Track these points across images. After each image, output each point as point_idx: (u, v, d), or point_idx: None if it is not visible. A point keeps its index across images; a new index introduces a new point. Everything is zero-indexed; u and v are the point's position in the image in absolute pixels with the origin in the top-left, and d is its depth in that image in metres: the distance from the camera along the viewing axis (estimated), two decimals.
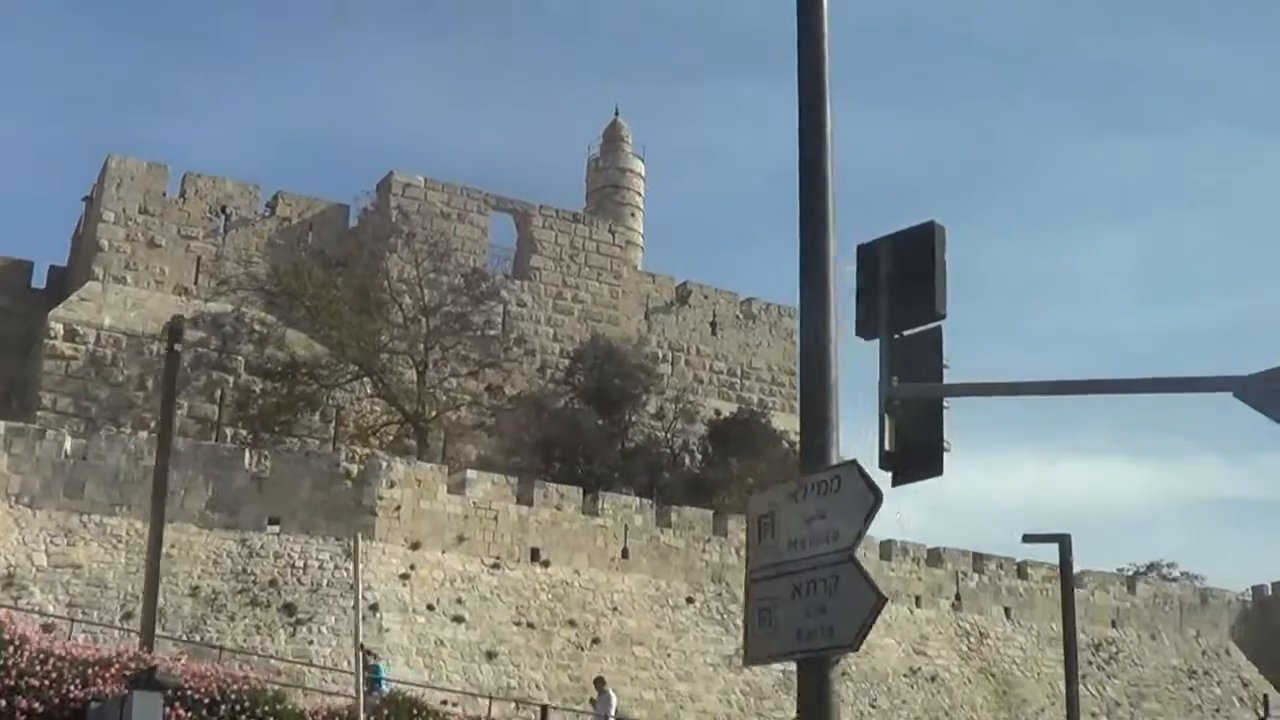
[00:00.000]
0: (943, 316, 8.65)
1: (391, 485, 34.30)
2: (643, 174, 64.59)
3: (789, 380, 55.36)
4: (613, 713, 28.26)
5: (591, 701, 30.24)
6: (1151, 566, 78.52)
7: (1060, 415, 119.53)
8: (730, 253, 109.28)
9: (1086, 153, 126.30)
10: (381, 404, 43.21)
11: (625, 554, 37.36)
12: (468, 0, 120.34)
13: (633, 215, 63.58)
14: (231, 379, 44.05)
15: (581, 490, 37.71)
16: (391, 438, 42.31)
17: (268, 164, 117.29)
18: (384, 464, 34.84)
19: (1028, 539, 28.98)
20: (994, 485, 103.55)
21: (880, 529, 46.51)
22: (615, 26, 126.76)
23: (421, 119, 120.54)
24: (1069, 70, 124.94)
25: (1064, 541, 27.95)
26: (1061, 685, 42.89)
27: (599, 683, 29.72)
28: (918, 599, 42.04)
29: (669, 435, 48.57)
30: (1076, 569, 46.73)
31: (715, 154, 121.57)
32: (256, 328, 44.53)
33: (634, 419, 48.49)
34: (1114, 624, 46.13)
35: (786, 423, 54.73)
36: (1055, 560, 46.05)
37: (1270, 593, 71.49)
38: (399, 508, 34.31)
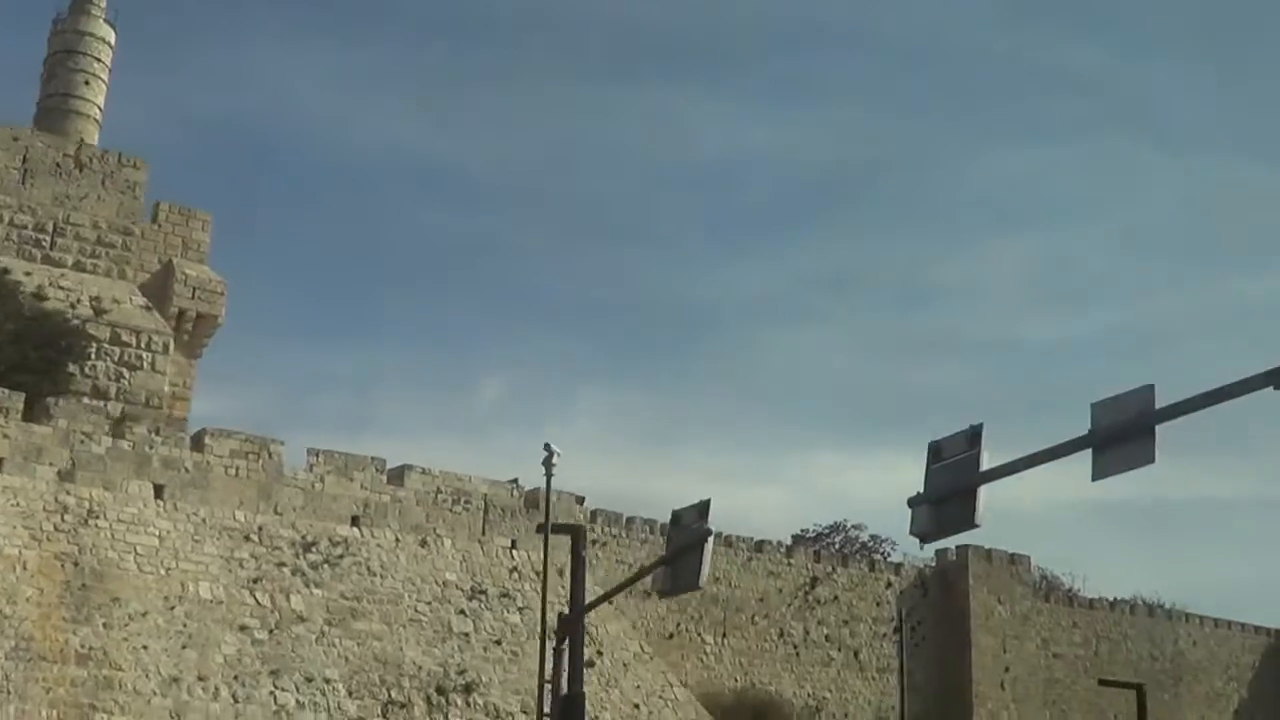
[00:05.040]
0: None
1: None
2: (111, 42, 57.29)
3: (122, 240, 47.01)
4: None
5: None
6: (837, 527, 70.60)
7: (948, 413, 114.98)
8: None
9: (982, 158, 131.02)
10: None
11: None
12: None
13: (86, 83, 56.10)
14: None
15: None
16: None
17: None
18: None
19: None
20: (883, 483, 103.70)
21: None
22: None
23: None
24: (968, 74, 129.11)
25: None
26: (200, 587, 34.02)
27: None
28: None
29: None
30: (345, 449, 37.87)
31: None
32: None
33: None
34: (355, 521, 36.60)
35: (107, 289, 46.46)
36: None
37: (953, 557, 63.49)
38: None
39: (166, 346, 45.96)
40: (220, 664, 32.62)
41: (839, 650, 60.04)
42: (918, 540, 15.94)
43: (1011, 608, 64.76)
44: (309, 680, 33.38)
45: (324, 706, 33.09)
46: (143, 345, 45.56)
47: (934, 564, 64.22)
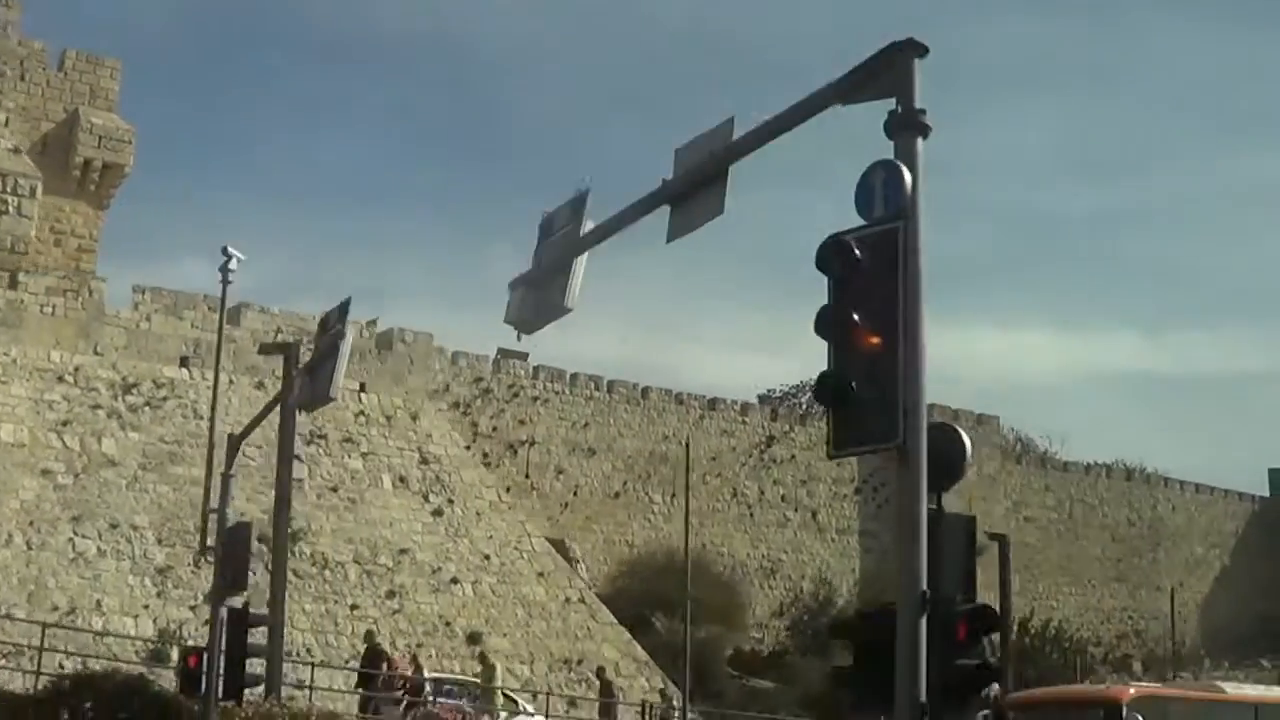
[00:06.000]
0: None
1: None
2: None
3: None
4: None
5: None
6: (802, 386, 68.32)
7: (976, 284, 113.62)
8: None
9: (1000, 24, 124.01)
10: None
11: None
12: None
13: None
14: None
15: None
16: None
17: None
18: None
19: None
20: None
21: None
22: None
23: None
24: None
25: None
26: (2, 430, 32.12)
27: None
28: None
29: None
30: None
31: None
32: None
33: None
34: (184, 362, 34.47)
35: None
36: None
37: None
38: None
39: (34, 190, 43.67)
40: (16, 509, 30.89)
41: (795, 511, 57.95)
42: (514, 331, 13.22)
43: (978, 469, 62.07)
44: (114, 527, 31.59)
45: (128, 554, 31.30)
46: (8, 189, 43.32)
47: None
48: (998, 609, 36.17)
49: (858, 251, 9.09)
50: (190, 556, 31.88)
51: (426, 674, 25.06)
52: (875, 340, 8.93)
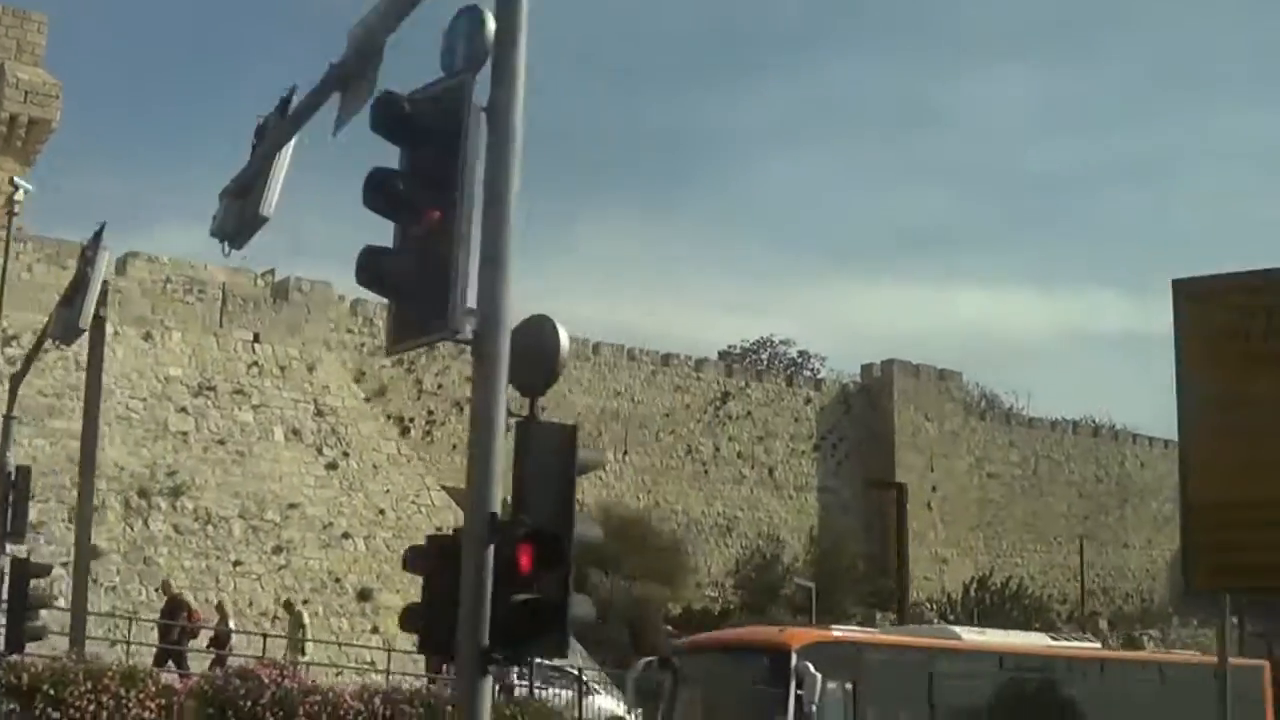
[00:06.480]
0: None
1: None
2: None
3: None
4: None
5: None
6: (763, 342, 67.50)
7: (958, 243, 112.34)
8: None
9: None
10: None
11: None
12: None
13: None
14: None
15: None
16: None
17: None
18: None
19: None
20: (890, 310, 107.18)
21: None
22: None
23: None
24: None
25: None
26: None
27: None
28: None
29: None
30: None
31: None
32: None
33: None
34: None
35: None
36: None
37: (878, 373, 60.04)
38: None
39: None
40: None
41: (752, 468, 56.94)
42: (220, 244, 12.05)
43: (940, 425, 61.04)
44: None
45: None
46: None
47: (859, 380, 60.71)
48: (896, 559, 34.50)
49: (407, 107, 8.01)
50: (64, 512, 31.04)
51: (232, 624, 24.19)
52: (436, 214, 7.75)
